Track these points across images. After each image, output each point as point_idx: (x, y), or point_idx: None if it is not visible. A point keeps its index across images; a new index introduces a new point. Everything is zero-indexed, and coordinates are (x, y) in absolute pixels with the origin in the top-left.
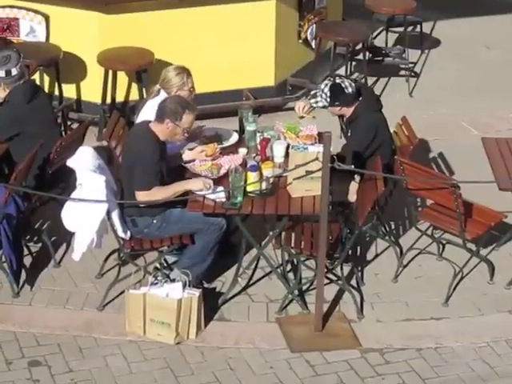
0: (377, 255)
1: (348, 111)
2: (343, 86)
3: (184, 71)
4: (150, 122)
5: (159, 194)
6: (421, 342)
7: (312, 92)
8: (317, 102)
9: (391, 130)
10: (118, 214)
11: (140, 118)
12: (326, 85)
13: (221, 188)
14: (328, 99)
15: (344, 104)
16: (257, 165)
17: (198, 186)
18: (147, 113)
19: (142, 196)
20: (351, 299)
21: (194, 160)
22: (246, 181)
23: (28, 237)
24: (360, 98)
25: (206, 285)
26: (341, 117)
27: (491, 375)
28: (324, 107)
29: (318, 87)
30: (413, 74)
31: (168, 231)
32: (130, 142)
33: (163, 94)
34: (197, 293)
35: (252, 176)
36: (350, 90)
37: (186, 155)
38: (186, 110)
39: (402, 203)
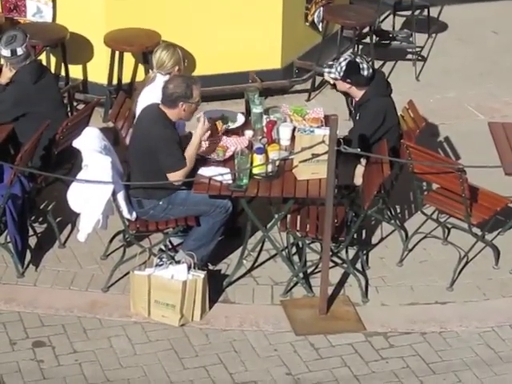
0: (382, 239)
1: (356, 92)
2: (361, 66)
3: (174, 47)
4: (158, 104)
5: (188, 164)
6: (425, 326)
7: (330, 62)
8: (330, 73)
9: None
10: (123, 195)
11: (140, 106)
12: (346, 59)
13: (227, 170)
14: (341, 73)
15: (354, 84)
16: (263, 147)
17: (205, 129)
18: (147, 99)
19: (179, 176)
20: (356, 283)
21: None
22: (251, 163)
23: (33, 217)
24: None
25: (210, 267)
26: (349, 98)
27: (495, 360)
28: (335, 79)
29: (337, 60)
30: (419, 58)
31: (174, 213)
32: (143, 125)
33: (159, 78)
34: (202, 275)
35: (258, 158)
36: (365, 72)
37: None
38: (193, 86)
39: (408, 187)
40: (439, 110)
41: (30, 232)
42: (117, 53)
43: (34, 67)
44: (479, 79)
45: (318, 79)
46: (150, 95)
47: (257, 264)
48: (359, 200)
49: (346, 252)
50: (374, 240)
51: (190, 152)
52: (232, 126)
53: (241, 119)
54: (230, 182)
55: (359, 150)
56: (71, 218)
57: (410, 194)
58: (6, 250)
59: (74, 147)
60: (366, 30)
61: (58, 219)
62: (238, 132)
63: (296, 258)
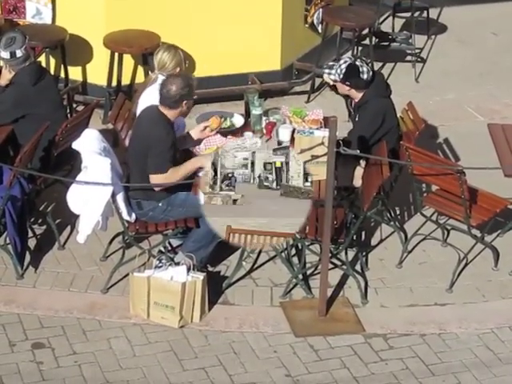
0: (381, 240)
1: (356, 95)
2: (360, 70)
3: (176, 48)
4: (157, 105)
5: (175, 175)
6: (425, 328)
7: (330, 63)
8: (330, 74)
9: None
10: (123, 197)
11: (141, 107)
12: (346, 62)
13: None
14: (341, 76)
15: (354, 87)
16: None
17: (209, 162)
18: (148, 101)
19: (159, 179)
20: (355, 284)
21: (198, 142)
22: None
23: (33, 219)
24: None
25: (210, 268)
26: (348, 100)
27: (495, 361)
28: (335, 81)
29: (337, 62)
30: (419, 59)
31: (173, 215)
32: (142, 126)
33: (161, 79)
34: (201, 276)
35: None
36: (365, 76)
37: (194, 134)
38: (192, 83)
39: (407, 189)
40: (439, 111)
41: (30, 234)
42: (116, 54)
43: (33, 69)
44: (479, 81)
45: (318, 81)
46: (151, 97)
47: (256, 265)
48: (358, 201)
49: (346, 253)
50: (374, 242)
51: (181, 170)
52: (230, 124)
53: (240, 121)
54: None
55: (358, 151)
56: (71, 219)
57: (410, 195)
58: (6, 252)
59: (74, 149)
60: (366, 31)
61: (58, 221)
62: (238, 133)
63: (295, 260)
